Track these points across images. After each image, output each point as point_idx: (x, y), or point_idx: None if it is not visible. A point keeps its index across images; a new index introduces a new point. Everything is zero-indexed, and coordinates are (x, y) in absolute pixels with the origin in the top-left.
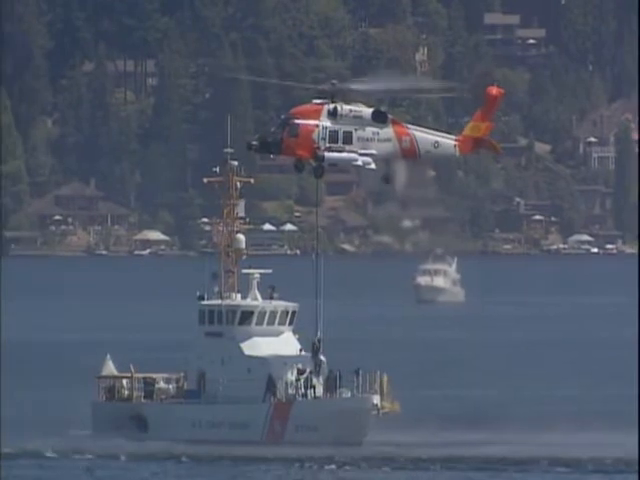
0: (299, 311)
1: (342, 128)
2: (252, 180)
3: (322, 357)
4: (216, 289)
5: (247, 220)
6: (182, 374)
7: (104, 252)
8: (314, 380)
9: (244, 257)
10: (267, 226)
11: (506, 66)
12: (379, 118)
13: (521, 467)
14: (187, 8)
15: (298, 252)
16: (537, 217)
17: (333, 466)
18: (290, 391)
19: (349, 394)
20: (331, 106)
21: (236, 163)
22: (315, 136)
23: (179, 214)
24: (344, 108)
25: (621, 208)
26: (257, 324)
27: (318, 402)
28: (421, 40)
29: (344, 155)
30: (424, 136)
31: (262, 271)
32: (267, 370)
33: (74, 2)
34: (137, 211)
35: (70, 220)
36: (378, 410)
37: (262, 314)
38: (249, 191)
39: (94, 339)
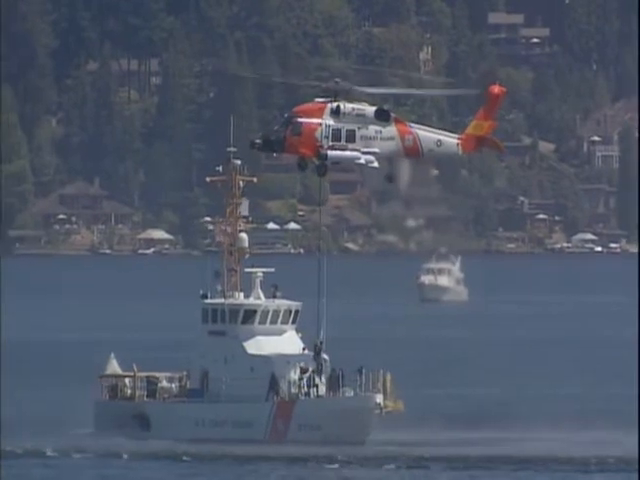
0: (302, 310)
1: (345, 126)
2: (255, 179)
3: (325, 356)
4: (219, 288)
5: (249, 219)
6: (185, 373)
7: (108, 251)
8: (317, 379)
9: (247, 256)
10: (271, 225)
11: (510, 65)
12: (382, 116)
13: (525, 466)
14: (192, 8)
15: (302, 251)
16: (541, 216)
17: (336, 465)
18: (293, 390)
19: (352, 393)
20: (334, 104)
21: (239, 162)
22: (318, 134)
23: (183, 213)
24: (347, 106)
25: (625, 207)
26: (260, 323)
27: (321, 401)
28: (425, 39)
29: (347, 153)
30: (427, 135)
31: (265, 270)
32: (270, 369)
33: (79, 1)
34: (141, 210)
35: (74, 219)
36: (381, 409)
37: (265, 313)
38: (253, 190)
39: (97, 338)
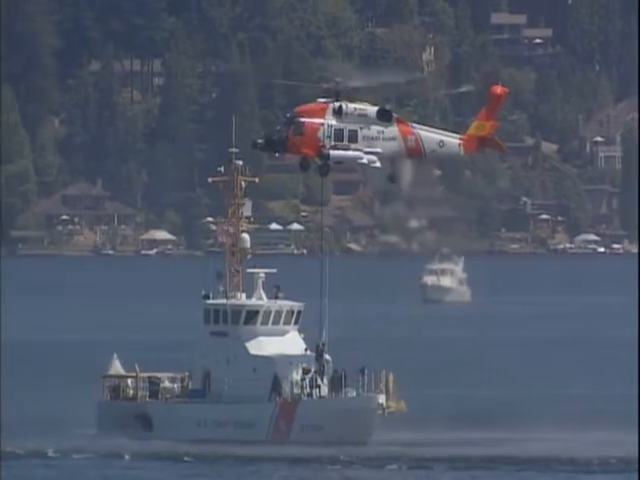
0: (305, 311)
1: (347, 126)
2: (257, 179)
3: (327, 356)
4: (221, 288)
5: (251, 220)
6: (187, 373)
7: (111, 252)
8: (319, 379)
9: (249, 256)
10: (274, 225)
11: (513, 66)
12: (384, 117)
13: (527, 466)
14: (194, 8)
15: (305, 252)
16: (544, 216)
17: (338, 465)
18: (295, 390)
19: (354, 393)
20: (336, 104)
21: (241, 163)
22: (320, 134)
23: (186, 214)
24: (349, 106)
25: (628, 208)
26: (262, 324)
27: (323, 402)
28: (428, 40)
29: (349, 153)
30: (429, 135)
31: (267, 270)
32: (272, 370)
33: (82, 2)
34: (144, 211)
35: (77, 220)
36: (383, 409)
37: (267, 314)
38: (256, 190)
39: (100, 339)
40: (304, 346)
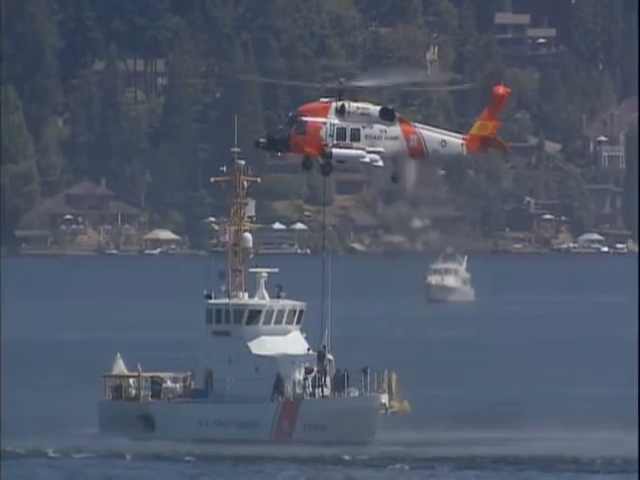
0: (307, 310)
1: (350, 125)
2: (259, 179)
3: (330, 356)
4: (223, 288)
5: (253, 219)
6: (189, 373)
7: (114, 251)
8: (322, 379)
9: (251, 256)
10: (277, 225)
11: (516, 65)
12: (387, 116)
13: (532, 466)
14: (198, 8)
15: (308, 251)
16: (547, 216)
17: (341, 465)
18: (298, 390)
19: (357, 393)
20: (338, 103)
21: (243, 162)
22: (323, 133)
23: (189, 213)
24: (352, 105)
25: (631, 207)
26: (264, 323)
27: (326, 401)
28: (432, 39)
29: (352, 152)
30: (431, 135)
31: (269, 270)
32: (275, 369)
33: (85, 2)
34: (147, 210)
35: (81, 219)
36: (386, 409)
37: (269, 313)
38: (260, 190)
39: (102, 338)
40: (306, 345)
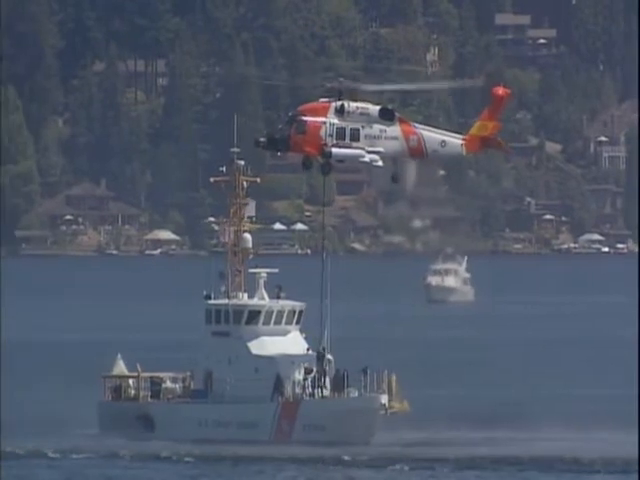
0: (307, 310)
1: (349, 125)
2: (259, 179)
3: (329, 356)
4: (223, 289)
5: (253, 220)
6: (189, 373)
7: (115, 252)
8: (322, 380)
9: (251, 256)
10: (277, 225)
11: (517, 66)
12: (386, 115)
13: (532, 467)
14: (198, 8)
15: (309, 252)
16: (548, 217)
17: (341, 466)
18: (298, 390)
19: (357, 393)
20: (338, 103)
21: (242, 162)
22: (322, 133)
23: (190, 214)
24: (351, 105)
25: (631, 207)
26: (264, 324)
27: (326, 401)
28: (432, 40)
29: (351, 151)
30: (431, 135)
31: (269, 270)
32: (275, 369)
33: (85, 2)
34: (148, 211)
35: (81, 220)
36: (386, 409)
37: (269, 313)
38: (260, 190)
39: (102, 339)
40: (306, 346)
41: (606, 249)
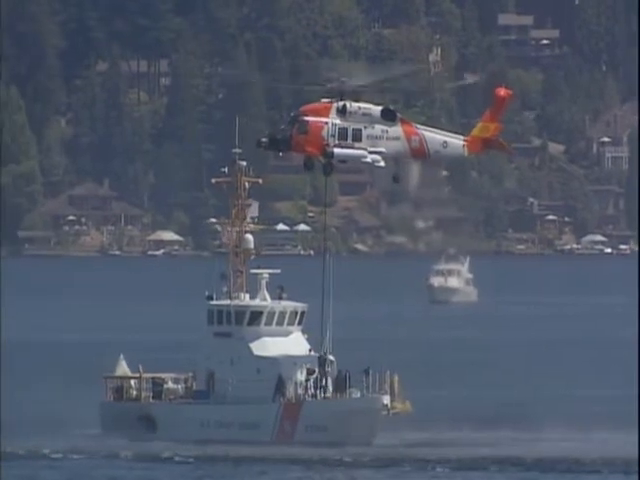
0: (309, 311)
1: (351, 125)
2: (260, 180)
3: (331, 357)
4: (225, 289)
5: (255, 220)
6: (191, 374)
7: (117, 252)
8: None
9: (252, 257)
10: (281, 226)
11: (520, 67)
12: (388, 116)
13: (535, 467)
14: (201, 8)
15: (312, 252)
16: (551, 217)
17: (343, 466)
18: (300, 391)
19: (359, 394)
20: (340, 103)
21: (244, 163)
22: (324, 133)
23: (193, 214)
24: (353, 105)
25: (634, 208)
26: (266, 324)
27: (328, 402)
28: (435, 40)
29: (353, 152)
30: (433, 136)
31: (271, 271)
32: (277, 370)
33: (87, 2)
34: (151, 211)
35: (84, 220)
36: (388, 410)
37: (271, 314)
38: (263, 191)
39: (104, 339)
40: (308, 347)
41: (609, 250)
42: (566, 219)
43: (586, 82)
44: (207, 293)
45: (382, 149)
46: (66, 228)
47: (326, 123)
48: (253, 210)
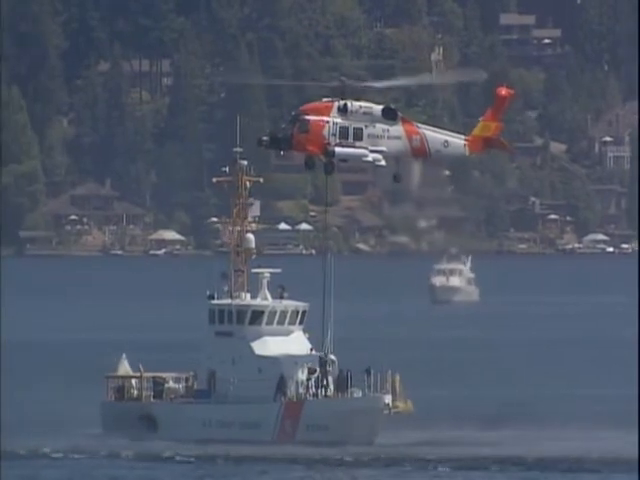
0: (310, 311)
1: (352, 124)
2: (261, 179)
3: (332, 356)
4: (226, 289)
5: (256, 219)
6: (192, 374)
7: (119, 252)
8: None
9: (254, 256)
10: (282, 225)
11: (522, 66)
12: (389, 115)
13: (537, 466)
14: (203, 8)
15: (313, 252)
16: (552, 217)
17: (344, 466)
18: (301, 390)
19: (360, 394)
20: (341, 102)
21: (245, 163)
22: (325, 132)
23: (194, 214)
24: (354, 104)
25: (636, 207)
26: (267, 324)
27: (329, 402)
28: (437, 40)
29: (354, 150)
30: (434, 135)
31: (272, 270)
32: (278, 370)
33: (89, 2)
34: (152, 211)
35: (85, 220)
36: (389, 410)
37: (272, 314)
38: (265, 190)
39: (105, 339)
40: (309, 346)
41: (610, 249)
42: (568, 218)
43: (588, 81)
44: (208, 292)
45: (383, 148)
46: (68, 228)
47: (327, 122)
48: (255, 209)
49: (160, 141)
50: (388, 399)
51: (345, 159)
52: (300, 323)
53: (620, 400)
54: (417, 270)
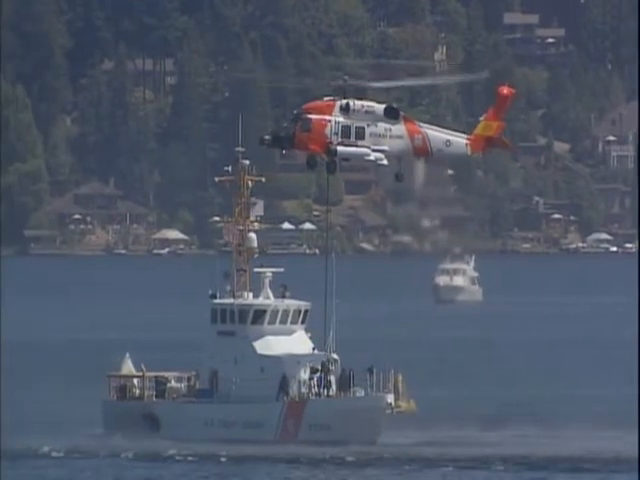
0: (313, 310)
1: (354, 123)
2: (263, 179)
3: (335, 356)
4: (228, 288)
5: (258, 218)
6: (194, 373)
7: (123, 251)
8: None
9: (256, 256)
10: (286, 225)
11: (525, 65)
12: (391, 114)
13: (539, 466)
14: (206, 7)
15: (317, 251)
16: (556, 216)
17: (347, 466)
18: (303, 390)
19: (363, 393)
20: (343, 101)
21: (247, 162)
22: (327, 131)
23: (198, 213)
24: (356, 103)
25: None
26: (270, 323)
27: (332, 401)
28: (440, 39)
29: (356, 149)
30: (436, 134)
31: (274, 270)
32: (280, 369)
33: (94, 1)
34: (156, 210)
35: (89, 219)
36: (392, 409)
37: (275, 313)
38: (268, 190)
39: (110, 338)
40: (312, 345)
41: (614, 249)
42: (572, 218)
43: (591, 81)
44: (211, 292)
45: (385, 147)
46: (72, 227)
47: (329, 121)
48: (258, 209)
49: (164, 140)
50: (391, 398)
51: (347, 158)
52: (302, 322)
53: (620, 400)
54: (421, 269)
